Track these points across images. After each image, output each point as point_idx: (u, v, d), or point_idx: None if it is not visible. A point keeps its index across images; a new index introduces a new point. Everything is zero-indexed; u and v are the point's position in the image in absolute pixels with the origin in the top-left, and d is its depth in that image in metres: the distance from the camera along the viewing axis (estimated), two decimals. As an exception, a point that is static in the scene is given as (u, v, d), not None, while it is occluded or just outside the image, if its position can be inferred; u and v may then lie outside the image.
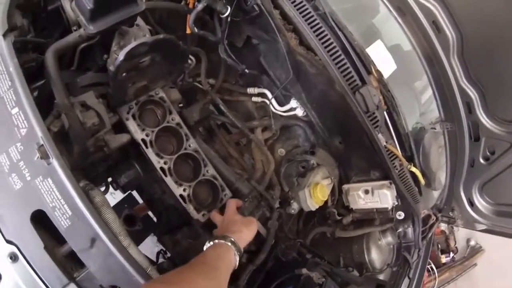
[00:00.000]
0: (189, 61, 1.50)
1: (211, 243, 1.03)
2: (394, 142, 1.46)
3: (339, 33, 1.28)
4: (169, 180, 1.18)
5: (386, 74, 1.51)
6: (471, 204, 1.75)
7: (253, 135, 1.59)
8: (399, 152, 1.43)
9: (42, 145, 0.78)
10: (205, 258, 0.98)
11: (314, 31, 1.24)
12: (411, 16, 1.53)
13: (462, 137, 1.67)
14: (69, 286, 0.76)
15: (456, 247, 3.65)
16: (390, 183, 1.46)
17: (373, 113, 1.31)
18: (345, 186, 1.58)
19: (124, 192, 1.37)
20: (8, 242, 0.74)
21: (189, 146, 1.26)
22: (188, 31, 1.30)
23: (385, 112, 1.41)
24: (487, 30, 1.40)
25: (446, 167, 1.80)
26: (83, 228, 0.77)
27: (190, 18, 1.25)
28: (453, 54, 1.49)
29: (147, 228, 1.69)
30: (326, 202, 1.58)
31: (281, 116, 1.60)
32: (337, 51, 1.25)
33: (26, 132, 0.79)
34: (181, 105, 1.43)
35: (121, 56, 0.97)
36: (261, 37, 1.41)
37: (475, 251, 3.64)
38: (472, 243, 3.66)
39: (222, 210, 1.26)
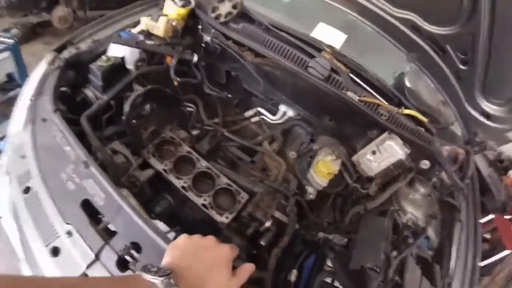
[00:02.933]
0: (190, 109, 2.07)
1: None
2: (372, 95, 1.69)
3: (282, 33, 1.76)
4: (190, 195, 1.56)
5: (338, 45, 1.81)
6: (487, 116, 1.74)
7: (261, 147, 2.01)
8: (377, 100, 1.65)
9: (85, 161, 1.34)
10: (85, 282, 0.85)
11: (259, 42, 1.76)
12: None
13: (429, 56, 1.75)
14: (104, 248, 1.19)
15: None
16: (389, 133, 1.62)
17: (332, 78, 1.65)
18: (354, 157, 1.77)
19: (160, 220, 1.69)
20: (67, 223, 1.24)
21: (201, 165, 1.66)
22: (175, 83, 1.86)
23: (350, 74, 1.71)
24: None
25: (442, 95, 1.84)
26: (112, 204, 1.24)
27: (171, 72, 1.80)
28: None
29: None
30: (347, 183, 1.81)
31: (278, 124, 2.05)
32: (282, 47, 1.71)
33: (74, 157, 1.37)
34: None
35: (126, 107, 1.55)
36: (233, 67, 1.94)
37: None
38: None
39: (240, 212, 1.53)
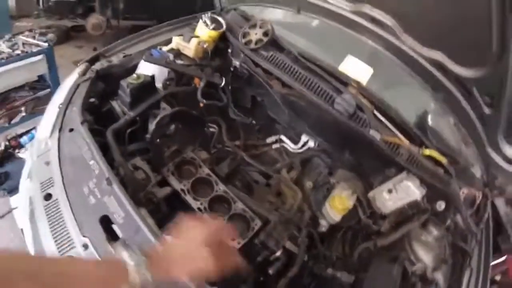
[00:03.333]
0: (212, 129, 2.08)
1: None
2: (395, 133, 1.68)
3: (309, 64, 1.77)
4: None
5: (365, 80, 1.80)
6: (509, 161, 1.65)
7: (279, 174, 1.99)
8: (398, 139, 1.65)
9: (108, 177, 1.36)
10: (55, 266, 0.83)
11: (287, 73, 1.77)
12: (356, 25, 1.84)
13: (454, 97, 1.71)
14: None
15: None
16: (407, 173, 1.61)
17: (357, 115, 1.66)
18: (370, 194, 1.76)
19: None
20: (84, 236, 1.25)
21: (219, 189, 1.67)
22: (201, 104, 1.90)
23: (374, 111, 1.71)
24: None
25: (463, 136, 1.79)
26: (131, 223, 1.25)
27: (198, 93, 1.84)
28: (401, 34, 1.69)
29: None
30: (359, 218, 1.79)
31: (298, 153, 2.05)
32: (309, 79, 1.73)
33: (98, 172, 1.39)
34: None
35: (152, 126, 1.59)
36: (259, 93, 1.97)
37: None
38: None
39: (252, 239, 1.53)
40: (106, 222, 1.30)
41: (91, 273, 0.84)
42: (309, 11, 1.96)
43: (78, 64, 2.09)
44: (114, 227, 1.29)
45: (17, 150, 3.71)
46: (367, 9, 1.74)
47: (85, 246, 1.25)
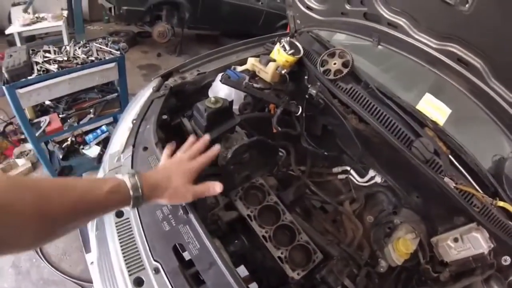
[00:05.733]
0: (280, 154, 1.97)
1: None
2: (469, 181, 1.58)
3: (388, 101, 1.67)
4: (269, 245, 1.52)
5: (442, 121, 1.70)
6: None
7: (342, 207, 1.92)
8: (473, 189, 1.54)
9: (184, 206, 1.30)
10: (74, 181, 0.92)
11: (366, 108, 1.68)
12: (439, 63, 1.70)
13: None
14: None
15: None
16: (477, 225, 1.51)
17: (433, 160, 1.56)
18: (434, 239, 1.66)
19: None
20: (155, 260, 1.22)
21: (286, 218, 1.61)
22: (274, 130, 1.84)
23: (450, 156, 1.60)
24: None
25: None
26: (206, 256, 1.20)
27: (273, 120, 1.79)
28: (489, 79, 1.56)
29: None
30: (419, 261, 1.69)
31: (364, 186, 1.95)
32: (388, 118, 1.63)
33: None
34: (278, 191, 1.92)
35: (229, 154, 1.53)
36: (332, 123, 1.88)
37: None
38: None
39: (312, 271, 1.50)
40: (178, 249, 1.27)
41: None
42: (389, 44, 1.84)
43: (152, 79, 2.10)
44: (185, 254, 1.26)
45: (81, 147, 3.88)
46: (454, 48, 1.61)
47: (156, 270, 1.22)
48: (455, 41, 1.58)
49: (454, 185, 1.54)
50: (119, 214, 1.42)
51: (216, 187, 1.22)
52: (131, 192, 0.97)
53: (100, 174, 1.73)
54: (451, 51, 1.63)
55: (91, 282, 1.57)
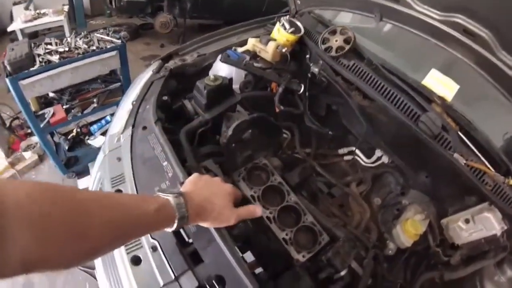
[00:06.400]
0: (285, 135, 1.94)
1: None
2: (480, 159, 1.50)
3: (392, 77, 1.60)
4: (274, 227, 1.47)
5: (450, 96, 1.62)
6: None
7: (348, 188, 1.85)
8: (484, 167, 1.46)
9: (183, 182, 1.22)
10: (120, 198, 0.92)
11: (370, 84, 1.62)
12: (444, 36, 1.62)
13: None
14: (187, 272, 1.11)
15: None
16: (490, 204, 1.43)
17: (441, 136, 1.49)
18: (444, 221, 1.58)
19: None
20: (153, 238, 1.18)
21: (290, 199, 1.55)
22: (277, 109, 1.77)
23: (459, 132, 1.53)
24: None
25: None
26: (204, 233, 1.16)
27: (276, 99, 1.73)
28: (498, 50, 1.47)
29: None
30: (428, 244, 1.63)
31: (370, 167, 1.88)
32: (393, 93, 1.56)
33: (171, 175, 1.32)
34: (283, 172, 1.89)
35: (229, 131, 1.47)
36: (336, 101, 1.81)
37: None
38: None
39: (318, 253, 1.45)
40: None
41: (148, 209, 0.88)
42: (392, 18, 1.75)
43: (152, 62, 2.05)
44: (183, 233, 1.22)
45: (87, 137, 3.90)
46: (460, 19, 1.52)
47: (154, 248, 1.18)
48: (460, 11, 1.49)
49: (465, 161, 1.46)
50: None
51: (258, 210, 1.25)
52: (176, 214, 0.93)
53: (100, 156, 1.69)
54: (457, 22, 1.54)
55: (94, 268, 1.53)
